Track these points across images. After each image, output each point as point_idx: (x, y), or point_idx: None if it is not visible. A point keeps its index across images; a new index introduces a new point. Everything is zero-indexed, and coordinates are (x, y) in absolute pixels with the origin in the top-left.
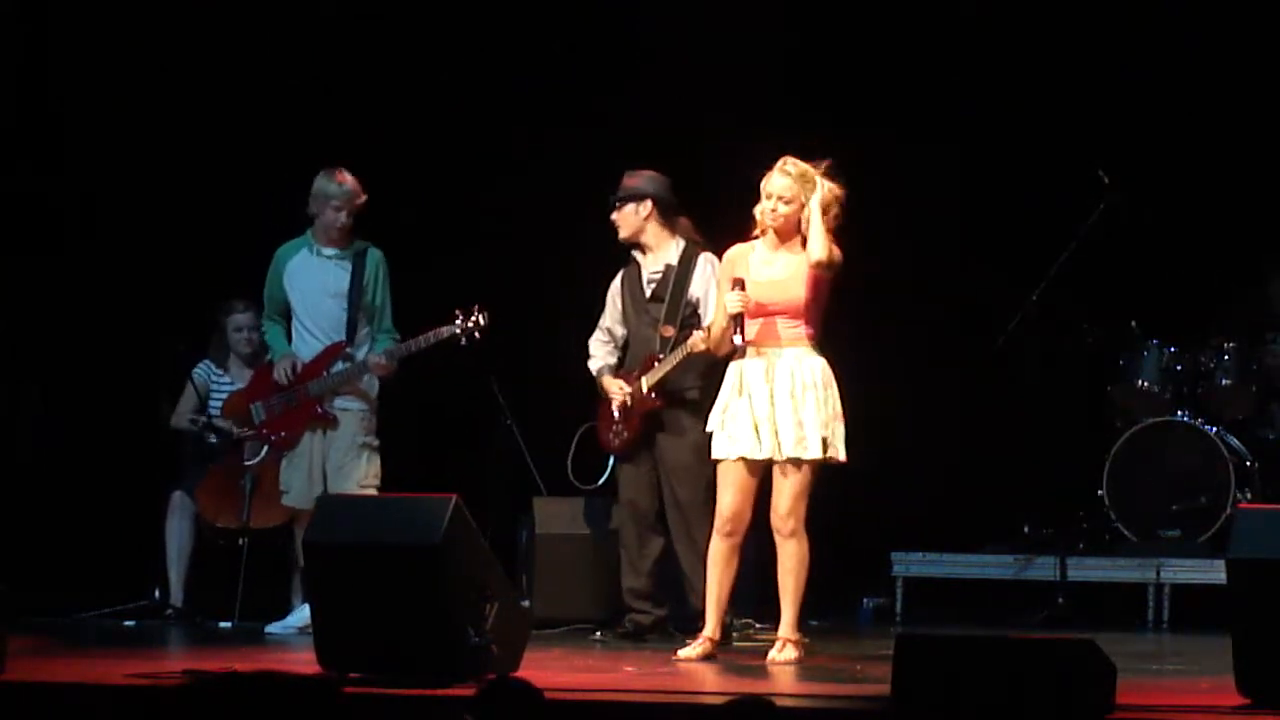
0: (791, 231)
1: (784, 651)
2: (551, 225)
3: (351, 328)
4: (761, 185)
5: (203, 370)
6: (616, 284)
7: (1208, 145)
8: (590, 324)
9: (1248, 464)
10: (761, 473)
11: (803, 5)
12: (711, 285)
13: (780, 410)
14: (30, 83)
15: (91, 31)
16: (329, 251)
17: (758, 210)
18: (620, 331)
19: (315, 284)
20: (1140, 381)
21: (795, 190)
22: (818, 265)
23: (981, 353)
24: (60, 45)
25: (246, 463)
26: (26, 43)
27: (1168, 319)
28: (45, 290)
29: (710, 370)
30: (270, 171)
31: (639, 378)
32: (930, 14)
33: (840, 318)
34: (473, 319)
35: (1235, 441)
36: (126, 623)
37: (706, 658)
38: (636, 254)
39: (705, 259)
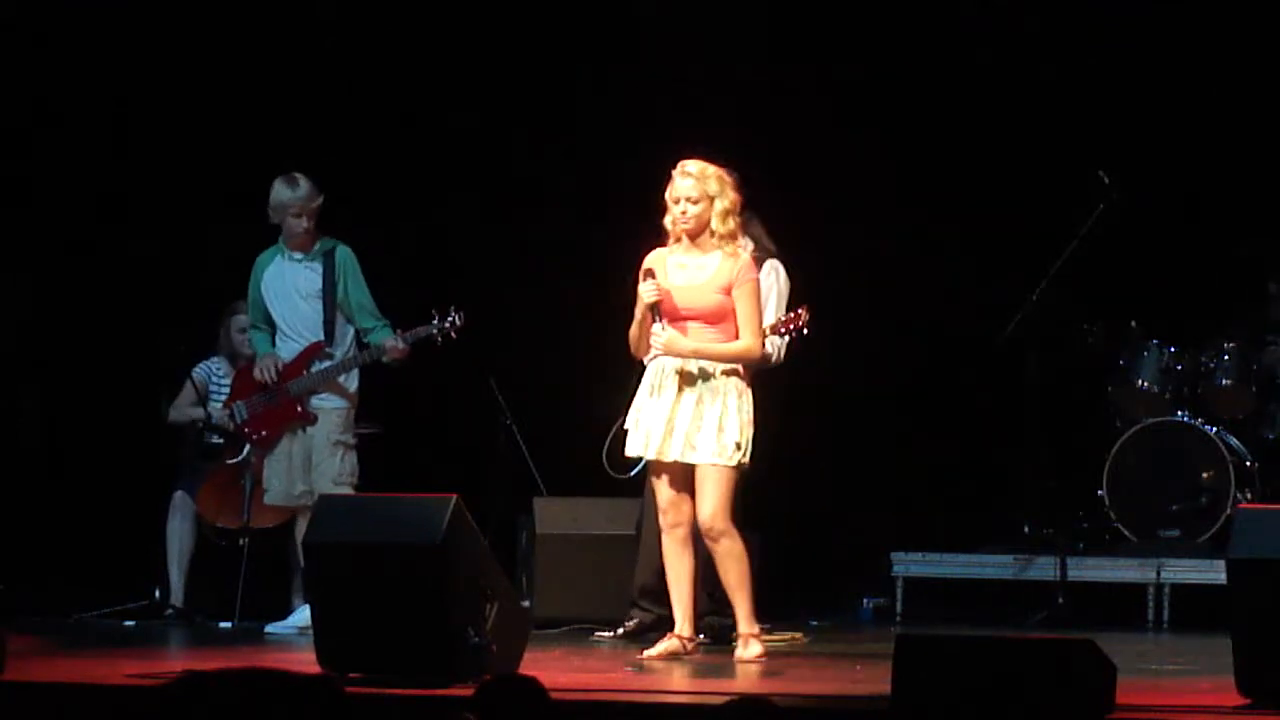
0: (703, 232)
1: (749, 648)
2: (551, 225)
3: (329, 327)
4: (666, 195)
5: (203, 370)
6: None
7: (1209, 144)
8: (591, 323)
9: (1248, 464)
10: (684, 471)
11: (802, 5)
12: (773, 292)
13: (687, 415)
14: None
15: (93, 31)
16: (298, 255)
17: (667, 220)
18: None
19: (289, 288)
20: (1140, 381)
21: (700, 189)
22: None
23: (981, 352)
24: (61, 45)
25: (228, 461)
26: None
27: (1168, 319)
28: (45, 290)
29: (753, 378)
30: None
31: None
32: (929, 13)
33: (840, 317)
34: (449, 319)
35: (1235, 441)
36: (126, 623)
37: (673, 655)
38: None
39: (771, 265)
